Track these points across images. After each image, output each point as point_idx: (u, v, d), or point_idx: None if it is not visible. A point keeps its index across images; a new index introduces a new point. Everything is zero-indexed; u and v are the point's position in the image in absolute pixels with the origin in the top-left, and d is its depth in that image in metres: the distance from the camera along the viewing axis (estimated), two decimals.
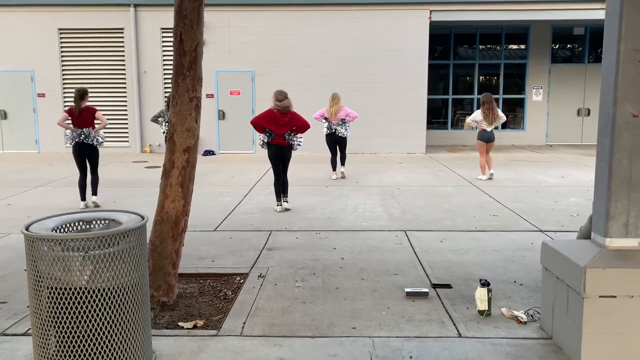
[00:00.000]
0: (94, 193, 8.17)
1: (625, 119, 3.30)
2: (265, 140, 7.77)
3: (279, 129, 7.68)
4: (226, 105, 14.97)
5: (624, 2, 3.23)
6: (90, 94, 8.85)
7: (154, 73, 14.87)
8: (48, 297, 2.98)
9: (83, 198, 8.10)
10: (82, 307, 2.97)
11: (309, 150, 14.24)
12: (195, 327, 3.97)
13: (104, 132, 8.36)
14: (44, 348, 3.05)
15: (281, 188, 7.88)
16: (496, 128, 10.51)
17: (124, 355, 3.09)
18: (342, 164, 10.75)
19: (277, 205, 7.86)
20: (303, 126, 7.85)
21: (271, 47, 14.62)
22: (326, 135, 10.48)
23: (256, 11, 14.51)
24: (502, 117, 10.42)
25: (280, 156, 7.84)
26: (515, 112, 17.25)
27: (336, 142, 10.52)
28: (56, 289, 2.96)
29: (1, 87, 15.09)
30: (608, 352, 3.29)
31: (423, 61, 14.62)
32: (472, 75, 17.15)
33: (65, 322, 2.98)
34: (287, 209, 7.87)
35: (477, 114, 10.38)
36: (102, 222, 3.42)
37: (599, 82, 3.53)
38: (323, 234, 6.60)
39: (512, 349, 3.59)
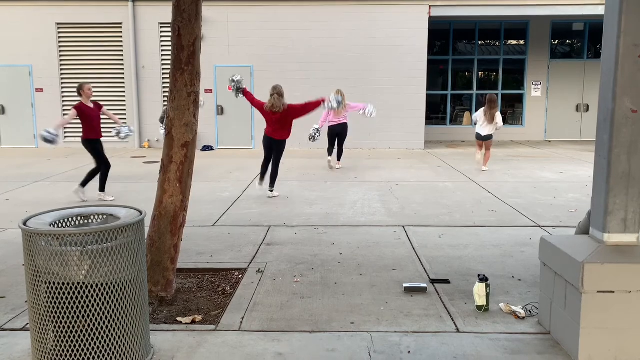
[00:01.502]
0: (100, 189, 8.43)
1: (624, 115, 3.30)
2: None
3: (271, 126, 8.19)
4: (225, 101, 14.94)
5: None
6: None
7: (152, 68, 14.84)
8: (46, 292, 2.98)
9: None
10: (80, 302, 2.97)
11: (307, 146, 14.26)
12: (193, 322, 3.97)
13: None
14: (42, 343, 3.05)
15: (264, 170, 8.42)
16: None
17: (122, 350, 3.09)
18: (339, 158, 10.92)
19: (259, 184, 8.49)
20: (303, 109, 8.04)
21: (270, 42, 14.58)
22: (330, 126, 10.78)
23: (255, 6, 14.47)
24: (498, 121, 10.59)
25: (268, 147, 8.34)
26: (514, 108, 17.25)
27: (337, 135, 10.78)
28: (54, 283, 2.96)
29: None
30: (606, 347, 3.30)
31: (422, 56, 14.60)
32: (471, 70, 17.13)
33: (63, 317, 2.98)
34: (272, 195, 8.35)
35: (479, 114, 10.82)
36: (100, 217, 3.42)
37: (598, 78, 3.54)
38: (322, 229, 6.60)
39: (510, 344, 3.59)
